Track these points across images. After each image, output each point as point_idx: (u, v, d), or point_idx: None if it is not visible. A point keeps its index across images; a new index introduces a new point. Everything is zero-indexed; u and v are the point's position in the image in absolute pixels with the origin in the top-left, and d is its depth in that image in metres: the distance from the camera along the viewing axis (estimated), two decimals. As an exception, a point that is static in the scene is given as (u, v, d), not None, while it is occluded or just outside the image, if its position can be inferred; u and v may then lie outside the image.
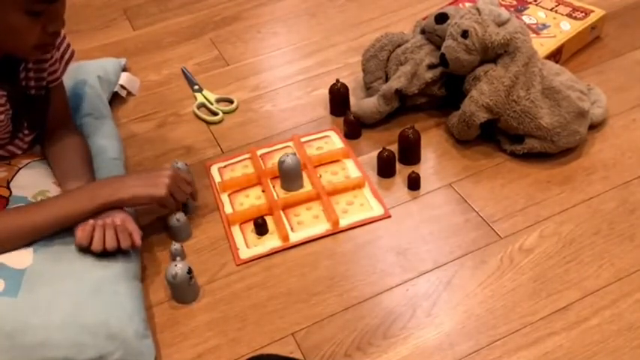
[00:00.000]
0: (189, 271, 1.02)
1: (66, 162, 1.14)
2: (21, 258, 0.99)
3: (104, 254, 1.02)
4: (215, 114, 1.41)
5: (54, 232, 1.02)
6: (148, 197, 1.07)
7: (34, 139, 1.20)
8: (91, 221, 1.02)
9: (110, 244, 1.01)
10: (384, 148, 1.22)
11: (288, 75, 1.52)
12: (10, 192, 1.10)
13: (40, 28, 0.98)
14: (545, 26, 1.46)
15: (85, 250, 1.01)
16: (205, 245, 1.14)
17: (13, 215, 1.02)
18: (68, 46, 1.19)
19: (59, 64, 1.17)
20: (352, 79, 1.46)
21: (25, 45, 1.00)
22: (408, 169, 1.22)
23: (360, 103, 1.33)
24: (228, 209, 1.19)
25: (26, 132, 1.16)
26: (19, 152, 1.18)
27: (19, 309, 0.92)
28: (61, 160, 1.15)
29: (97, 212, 1.03)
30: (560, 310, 0.98)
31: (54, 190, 1.11)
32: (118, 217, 1.04)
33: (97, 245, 1.01)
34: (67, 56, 1.19)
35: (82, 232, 1.01)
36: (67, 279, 0.97)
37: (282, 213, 1.17)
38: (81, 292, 0.96)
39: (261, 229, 1.13)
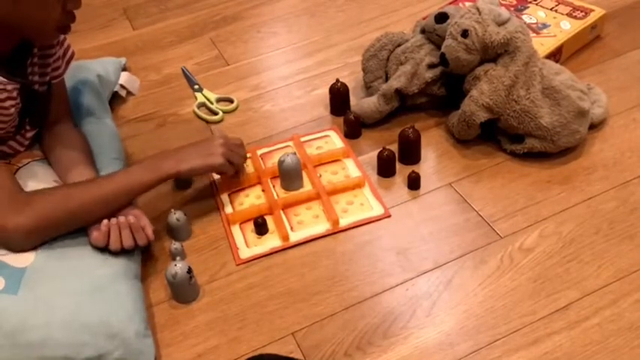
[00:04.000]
0: (189, 271, 1.02)
1: (67, 157, 1.14)
2: (21, 257, 0.99)
3: (106, 251, 1.02)
4: (215, 113, 1.41)
5: (120, 204, 1.06)
6: (207, 167, 1.13)
7: (34, 137, 1.20)
8: (105, 221, 1.03)
9: (127, 242, 1.03)
10: (384, 148, 1.22)
11: (288, 75, 1.52)
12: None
13: (61, 5, 1.00)
14: (545, 26, 1.46)
15: (101, 249, 1.02)
16: (205, 245, 1.14)
17: (85, 187, 1.05)
18: (69, 46, 1.20)
19: (61, 62, 1.18)
20: (352, 79, 1.46)
21: (50, 23, 1.02)
22: (408, 169, 1.22)
23: (361, 102, 1.33)
24: (228, 209, 1.19)
25: (27, 128, 1.16)
26: (21, 149, 1.18)
27: (19, 307, 0.92)
28: (61, 156, 1.15)
29: (158, 183, 1.09)
30: (560, 309, 0.98)
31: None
32: (131, 215, 1.06)
33: (114, 245, 1.02)
34: (68, 55, 1.20)
35: (97, 233, 1.02)
36: (67, 278, 0.97)
37: (282, 213, 1.17)
38: (81, 291, 0.96)
39: (261, 228, 1.13)
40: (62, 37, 1.17)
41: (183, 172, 1.10)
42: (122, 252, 1.03)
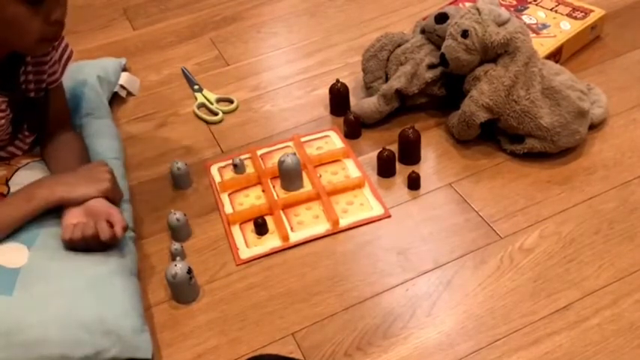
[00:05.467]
0: (189, 271, 1.02)
1: (63, 163, 1.13)
2: (15, 257, 0.98)
3: (97, 250, 1.01)
4: (215, 114, 1.41)
5: None
6: (96, 193, 1.04)
7: (35, 140, 1.19)
8: (74, 221, 1.01)
9: (87, 231, 0.99)
10: (384, 148, 1.22)
11: (288, 75, 1.52)
12: (9, 189, 1.10)
13: (41, 18, 0.95)
14: (545, 26, 1.46)
15: (71, 247, 1.01)
16: (205, 245, 1.14)
17: None
18: (67, 46, 1.18)
19: (58, 65, 1.16)
20: (352, 79, 1.46)
21: (29, 38, 0.97)
22: (408, 169, 1.22)
23: (360, 103, 1.33)
24: (228, 209, 1.19)
25: (26, 133, 1.16)
26: (20, 153, 1.18)
27: (15, 307, 0.92)
28: (58, 161, 1.14)
29: (39, 213, 1.02)
30: (560, 310, 0.98)
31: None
32: (102, 211, 1.02)
33: (76, 234, 0.99)
34: (65, 57, 1.18)
35: (63, 230, 1.01)
36: (62, 277, 0.97)
37: (282, 213, 1.17)
38: (76, 289, 0.96)
39: (261, 229, 1.13)
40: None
41: (67, 199, 1.03)
42: (97, 251, 1.01)
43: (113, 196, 1.07)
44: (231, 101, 1.45)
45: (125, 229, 1.02)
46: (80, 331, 0.92)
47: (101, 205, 1.03)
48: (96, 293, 0.96)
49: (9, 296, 0.93)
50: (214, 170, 1.27)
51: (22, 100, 1.10)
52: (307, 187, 1.21)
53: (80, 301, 0.95)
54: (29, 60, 1.10)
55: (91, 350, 0.91)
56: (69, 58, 1.19)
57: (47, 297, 0.94)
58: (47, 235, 1.02)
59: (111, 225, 1.01)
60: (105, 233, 1.00)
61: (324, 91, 1.42)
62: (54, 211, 1.04)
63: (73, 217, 1.03)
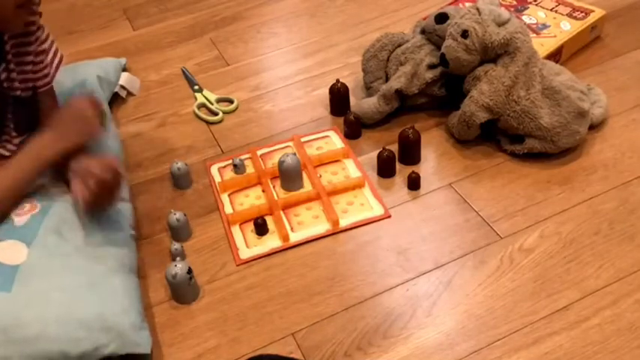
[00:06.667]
0: (189, 271, 1.02)
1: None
2: (15, 254, 0.98)
3: (111, 204, 1.05)
4: (215, 114, 1.41)
5: (11, 203, 1.03)
6: (90, 136, 1.08)
7: (23, 142, 1.18)
8: (77, 179, 1.03)
9: (90, 184, 1.01)
10: (384, 148, 1.22)
11: (288, 75, 1.52)
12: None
13: None
14: (545, 26, 1.46)
15: (88, 209, 1.03)
16: (205, 245, 1.14)
17: None
18: (57, 50, 1.17)
19: (50, 69, 1.15)
20: (352, 79, 1.46)
21: (7, 4, 0.98)
22: (408, 169, 1.22)
23: (360, 103, 1.33)
24: (228, 209, 1.19)
25: (13, 134, 1.15)
26: (7, 154, 1.17)
27: (14, 303, 0.92)
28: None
29: (47, 169, 1.06)
30: (560, 310, 0.98)
31: (52, 186, 1.11)
32: (93, 162, 1.04)
33: (84, 193, 1.01)
34: (56, 61, 1.17)
35: (73, 195, 1.03)
36: (61, 273, 0.97)
37: (282, 213, 1.17)
38: (76, 286, 0.96)
39: (261, 229, 1.13)
40: (49, 42, 1.14)
41: (68, 148, 1.06)
42: (111, 201, 1.04)
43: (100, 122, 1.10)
44: (231, 101, 1.45)
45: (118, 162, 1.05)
46: (79, 328, 0.92)
47: (91, 160, 1.05)
48: (95, 290, 0.96)
49: (8, 292, 0.93)
50: (214, 170, 1.28)
51: (6, 98, 1.10)
52: (307, 187, 1.21)
53: (79, 298, 0.95)
54: (10, 58, 1.09)
55: (90, 346, 0.91)
56: (60, 62, 1.18)
57: (46, 293, 0.94)
58: (46, 232, 1.02)
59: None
60: (104, 171, 1.01)
61: (324, 91, 1.42)
62: (53, 209, 1.04)
63: (78, 182, 1.03)
